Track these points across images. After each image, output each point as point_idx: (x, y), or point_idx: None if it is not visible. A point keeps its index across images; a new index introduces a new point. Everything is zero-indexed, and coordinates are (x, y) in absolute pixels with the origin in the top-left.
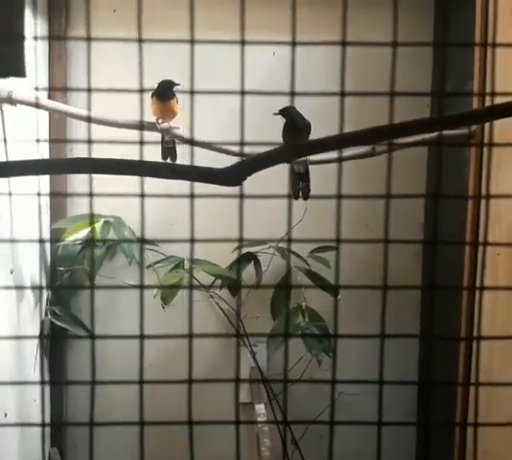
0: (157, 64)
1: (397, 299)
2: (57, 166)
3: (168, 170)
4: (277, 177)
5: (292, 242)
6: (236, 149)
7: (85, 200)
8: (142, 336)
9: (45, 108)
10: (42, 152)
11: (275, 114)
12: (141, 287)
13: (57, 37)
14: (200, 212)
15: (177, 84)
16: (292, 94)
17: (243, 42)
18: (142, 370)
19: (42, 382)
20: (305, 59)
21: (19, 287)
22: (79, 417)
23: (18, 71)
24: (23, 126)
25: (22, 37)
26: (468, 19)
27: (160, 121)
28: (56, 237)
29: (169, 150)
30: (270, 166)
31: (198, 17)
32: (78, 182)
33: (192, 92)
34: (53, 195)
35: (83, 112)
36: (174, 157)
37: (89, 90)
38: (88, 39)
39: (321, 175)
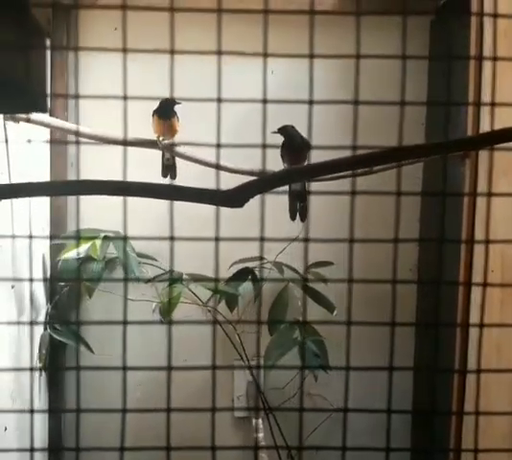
0: (156, 79)
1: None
2: (59, 188)
3: (172, 192)
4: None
5: (290, 258)
6: (235, 166)
7: (85, 214)
8: (170, 368)
9: (47, 126)
10: (43, 169)
11: (274, 132)
12: (169, 322)
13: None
14: (197, 226)
15: (178, 103)
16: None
17: (265, 101)
18: (170, 399)
19: (47, 410)
20: (304, 76)
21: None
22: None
23: (41, 107)
24: (25, 143)
25: (45, 77)
26: (461, 81)
27: (161, 138)
28: (56, 251)
29: (169, 168)
30: (275, 188)
31: (182, 36)
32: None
33: (218, 145)
34: (61, 237)
35: (86, 130)
36: (173, 175)
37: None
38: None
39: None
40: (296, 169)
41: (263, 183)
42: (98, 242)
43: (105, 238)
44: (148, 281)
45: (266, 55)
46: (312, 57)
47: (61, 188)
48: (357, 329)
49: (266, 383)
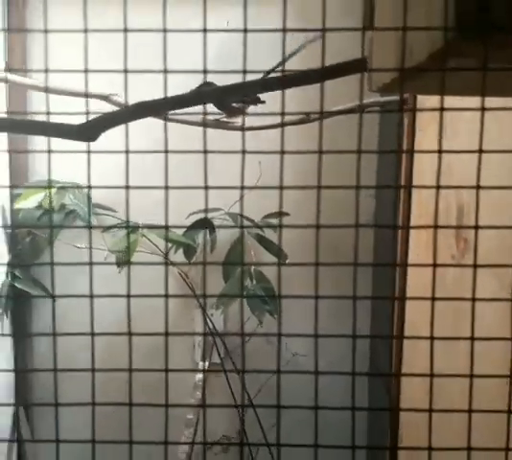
0: None
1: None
2: None
3: (34, 127)
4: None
5: (248, 209)
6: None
7: (46, 166)
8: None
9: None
10: None
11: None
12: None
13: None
14: (155, 177)
15: None
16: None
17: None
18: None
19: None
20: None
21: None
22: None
23: None
24: None
25: None
26: None
27: None
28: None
29: None
30: (127, 122)
31: None
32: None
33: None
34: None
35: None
36: None
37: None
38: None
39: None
40: (152, 102)
41: (114, 118)
42: (51, 192)
43: (61, 188)
44: (104, 229)
45: None
46: None
47: None
48: (311, 269)
49: (225, 329)
